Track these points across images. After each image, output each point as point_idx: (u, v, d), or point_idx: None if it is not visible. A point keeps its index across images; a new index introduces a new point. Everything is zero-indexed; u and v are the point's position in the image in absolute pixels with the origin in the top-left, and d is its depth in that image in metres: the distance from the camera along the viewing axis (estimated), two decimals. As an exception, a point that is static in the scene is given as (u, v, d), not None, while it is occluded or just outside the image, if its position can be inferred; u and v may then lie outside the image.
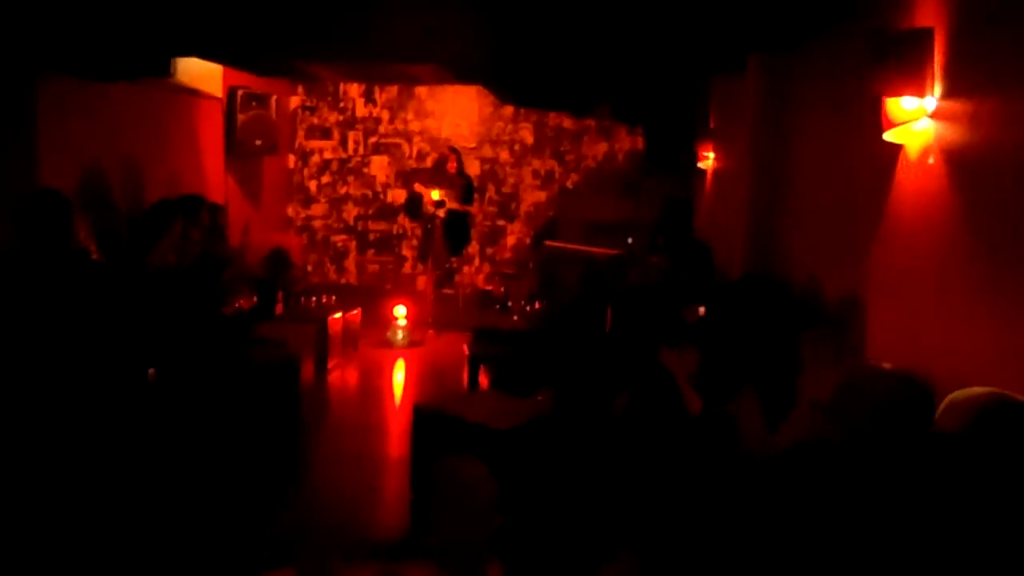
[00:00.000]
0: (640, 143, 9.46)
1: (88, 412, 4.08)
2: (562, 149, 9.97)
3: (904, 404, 2.14)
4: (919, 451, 2.01)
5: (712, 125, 7.33)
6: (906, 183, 3.24)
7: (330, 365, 7.27)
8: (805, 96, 4.86)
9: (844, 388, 2.25)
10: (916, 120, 3.05)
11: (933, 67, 2.96)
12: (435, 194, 8.56)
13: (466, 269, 9.94)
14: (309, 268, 10.11)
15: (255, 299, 6.40)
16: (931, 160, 3.04)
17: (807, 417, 2.90)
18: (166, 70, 6.96)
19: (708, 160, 7.23)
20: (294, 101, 10.29)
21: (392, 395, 7.16)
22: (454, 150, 8.95)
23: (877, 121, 3.20)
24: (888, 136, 3.20)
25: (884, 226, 3.41)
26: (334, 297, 7.83)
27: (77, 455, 3.93)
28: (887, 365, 2.38)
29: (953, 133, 2.90)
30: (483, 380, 6.22)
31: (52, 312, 4.09)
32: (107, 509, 3.80)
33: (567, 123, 9.89)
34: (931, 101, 3.00)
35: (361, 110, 10.26)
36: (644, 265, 5.65)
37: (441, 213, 8.62)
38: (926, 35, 3.01)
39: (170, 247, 5.44)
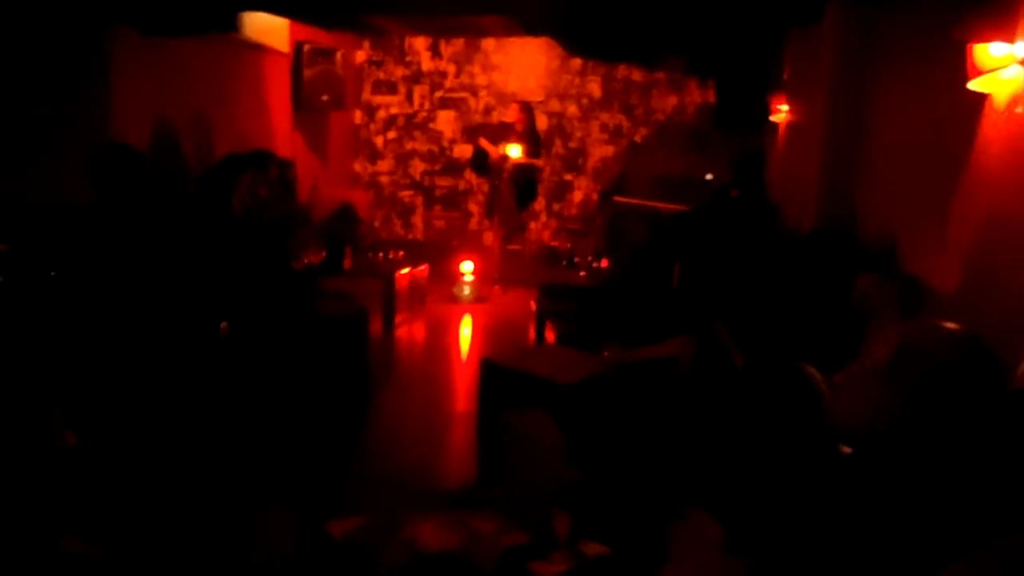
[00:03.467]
0: (711, 96, 9.26)
1: (162, 363, 4.18)
2: (631, 103, 9.81)
3: (963, 364, 2.08)
4: (1001, 411, 1.95)
5: (786, 77, 7.14)
6: (993, 133, 3.11)
7: (397, 320, 7.33)
8: (884, 47, 4.69)
9: (904, 348, 2.19)
10: (1005, 67, 2.92)
11: (1024, 11, 2.82)
12: (511, 149, 8.49)
13: (532, 225, 9.89)
14: (376, 224, 10.17)
15: (323, 254, 6.47)
16: (1020, 109, 2.91)
17: (866, 377, 2.84)
18: (233, 25, 6.99)
19: (781, 113, 7.06)
20: (360, 56, 10.29)
21: (459, 350, 7.20)
22: (523, 103, 8.87)
23: (962, 69, 3.07)
24: (974, 85, 3.07)
25: (968, 178, 3.29)
26: (401, 253, 7.87)
27: (152, 405, 4.04)
28: (949, 325, 2.31)
29: (1045, 81, 2.77)
30: (550, 336, 6.22)
31: (128, 266, 4.18)
32: (177, 458, 3.89)
33: (636, 76, 9.72)
34: (1021, 47, 2.86)
35: (427, 64, 10.22)
36: (714, 220, 5.56)
37: (508, 167, 8.57)
38: (1018, -23, 2.87)
39: (238, 202, 5.51)
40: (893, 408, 2.00)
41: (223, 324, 4.73)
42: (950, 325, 2.20)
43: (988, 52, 2.93)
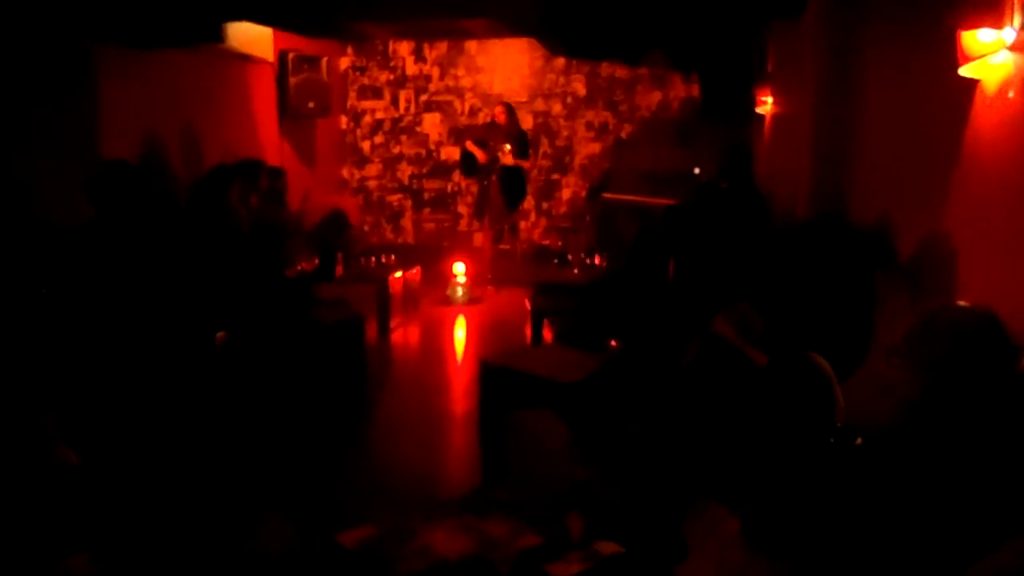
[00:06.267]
0: (695, 90, 9.29)
1: (161, 374, 4.17)
2: (615, 99, 9.83)
3: (978, 339, 2.09)
4: (1013, 395, 1.96)
5: (770, 69, 7.17)
6: (984, 119, 3.13)
7: (392, 324, 7.32)
8: (870, 35, 4.71)
9: (921, 324, 2.20)
10: (994, 53, 2.93)
11: (1013, -4, 2.84)
12: (505, 150, 8.47)
13: (522, 224, 9.89)
14: (366, 229, 10.16)
15: (316, 261, 6.46)
16: (1011, 94, 2.93)
17: (881, 362, 2.85)
18: (218, 35, 6.98)
19: (767, 105, 7.09)
20: (344, 62, 10.27)
21: (455, 352, 7.20)
22: (505, 104, 8.86)
23: (951, 56, 3.09)
24: (964, 71, 3.08)
25: (961, 164, 3.31)
26: (393, 257, 7.86)
27: (152, 418, 4.02)
28: (962, 302, 2.32)
29: (1035, 65, 2.79)
30: (547, 334, 6.22)
31: (125, 280, 4.17)
32: (178, 470, 3.87)
33: (620, 73, 9.75)
34: (1010, 32, 2.87)
35: (411, 68, 10.21)
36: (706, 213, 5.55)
37: (496, 168, 8.56)
38: (1004, -38, 2.88)
39: (229, 213, 5.50)
40: (911, 387, 2.01)
41: (220, 334, 4.72)
42: (963, 303, 2.21)
43: (977, 38, 2.94)
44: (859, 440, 2.32)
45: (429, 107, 10.24)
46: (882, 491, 1.98)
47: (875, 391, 2.33)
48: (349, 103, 10.34)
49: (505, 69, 9.99)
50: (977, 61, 3.00)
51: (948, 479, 1.85)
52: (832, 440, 2.31)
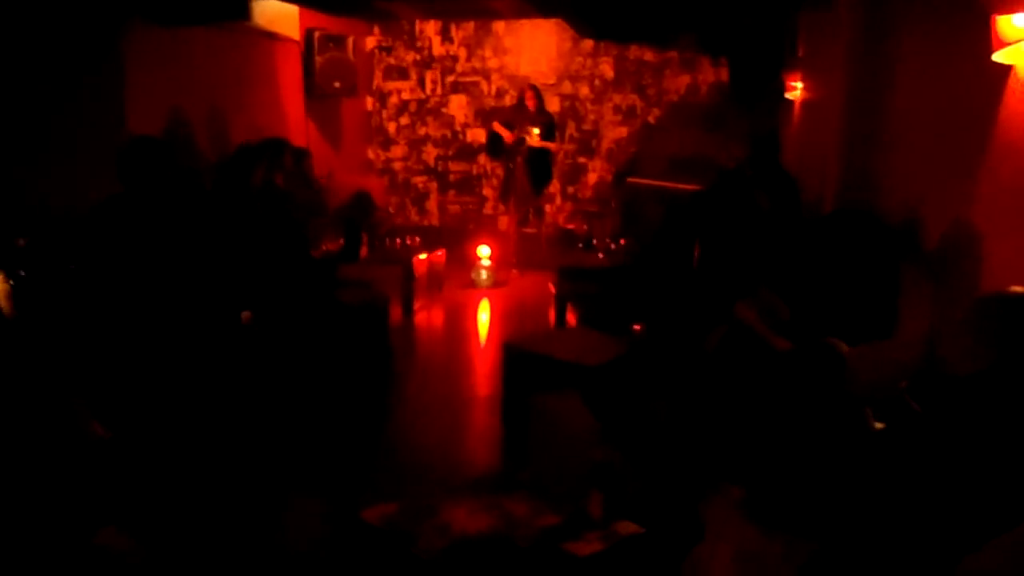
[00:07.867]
0: (724, 75, 9.21)
1: (188, 354, 4.22)
2: (643, 83, 9.76)
3: None
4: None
5: (800, 54, 7.09)
6: (1017, 106, 3.09)
7: (416, 306, 7.34)
8: (903, 20, 4.65)
9: (983, 302, 2.17)
10: (1029, 39, 2.89)
11: (1051, -20, 2.79)
12: (533, 132, 8.47)
13: (547, 208, 9.86)
14: (391, 210, 10.17)
15: (341, 242, 6.48)
16: (1046, 81, 2.89)
17: (888, 344, 2.83)
18: (244, 13, 6.98)
19: (796, 91, 7.02)
20: (370, 42, 10.26)
21: (478, 335, 7.21)
22: (533, 87, 8.84)
23: (985, 42, 3.04)
24: (998, 56, 3.04)
25: (992, 152, 3.27)
26: (418, 239, 7.87)
27: (179, 395, 4.07)
28: (1018, 288, 2.29)
29: (1071, 51, 2.74)
30: (571, 318, 6.22)
31: (151, 258, 4.21)
32: (204, 448, 3.91)
33: (648, 56, 9.67)
34: (1046, 18, 2.83)
35: (438, 48, 10.18)
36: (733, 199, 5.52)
37: (523, 150, 8.55)
38: (1042, -55, 2.83)
39: (254, 192, 5.52)
40: (962, 369, 1.99)
41: (245, 313, 4.75)
42: (1017, 288, 2.18)
43: (1012, 23, 2.90)
44: (880, 425, 2.31)
45: (455, 88, 10.21)
46: (916, 474, 1.96)
47: (877, 369, 2.32)
48: (375, 83, 10.33)
49: (532, 51, 9.93)
50: (1011, 47, 2.96)
51: (997, 464, 1.83)
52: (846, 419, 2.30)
